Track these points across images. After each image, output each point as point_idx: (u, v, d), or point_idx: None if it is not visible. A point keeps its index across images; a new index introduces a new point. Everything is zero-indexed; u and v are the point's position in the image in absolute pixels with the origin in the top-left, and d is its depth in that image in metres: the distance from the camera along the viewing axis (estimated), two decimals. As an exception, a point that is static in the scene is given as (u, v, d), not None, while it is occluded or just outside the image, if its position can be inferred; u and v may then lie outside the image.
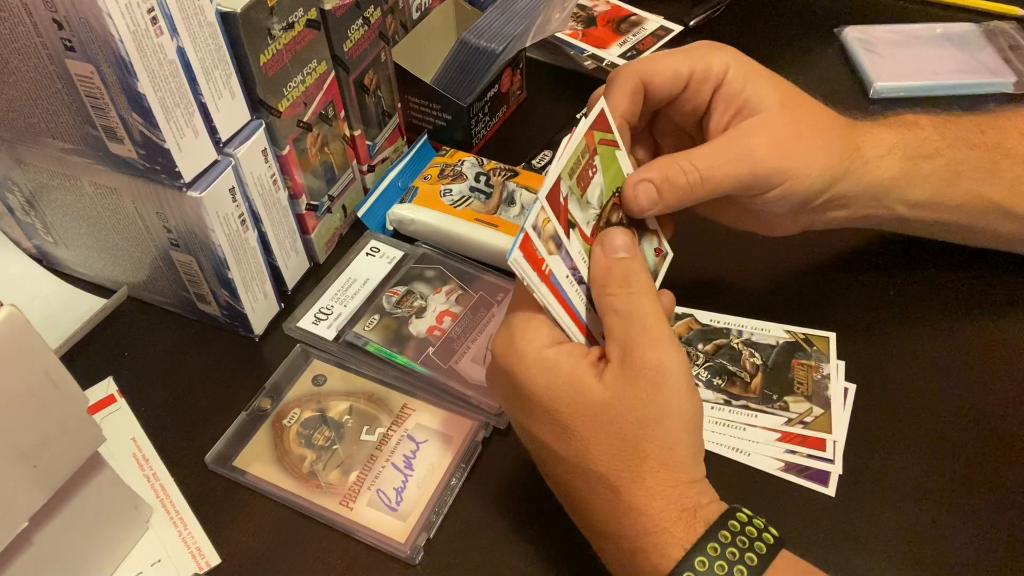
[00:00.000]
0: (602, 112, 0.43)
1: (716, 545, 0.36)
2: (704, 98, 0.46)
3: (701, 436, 0.40)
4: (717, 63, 0.45)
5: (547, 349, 0.39)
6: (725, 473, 0.48)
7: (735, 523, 0.37)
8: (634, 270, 0.40)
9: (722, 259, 0.59)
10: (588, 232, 0.42)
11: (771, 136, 0.44)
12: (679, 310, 0.56)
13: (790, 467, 0.48)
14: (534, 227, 0.39)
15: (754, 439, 0.49)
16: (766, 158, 0.44)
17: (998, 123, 0.51)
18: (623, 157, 0.45)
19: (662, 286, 0.46)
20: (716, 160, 0.44)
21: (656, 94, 0.46)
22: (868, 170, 0.47)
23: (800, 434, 0.49)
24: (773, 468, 0.48)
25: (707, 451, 0.48)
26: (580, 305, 0.41)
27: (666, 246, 0.49)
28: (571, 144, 0.40)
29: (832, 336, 0.53)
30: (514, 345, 0.40)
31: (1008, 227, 0.51)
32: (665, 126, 0.50)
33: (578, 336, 0.41)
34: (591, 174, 0.42)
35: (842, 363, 0.52)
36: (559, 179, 0.40)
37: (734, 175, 0.44)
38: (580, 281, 0.41)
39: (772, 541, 0.37)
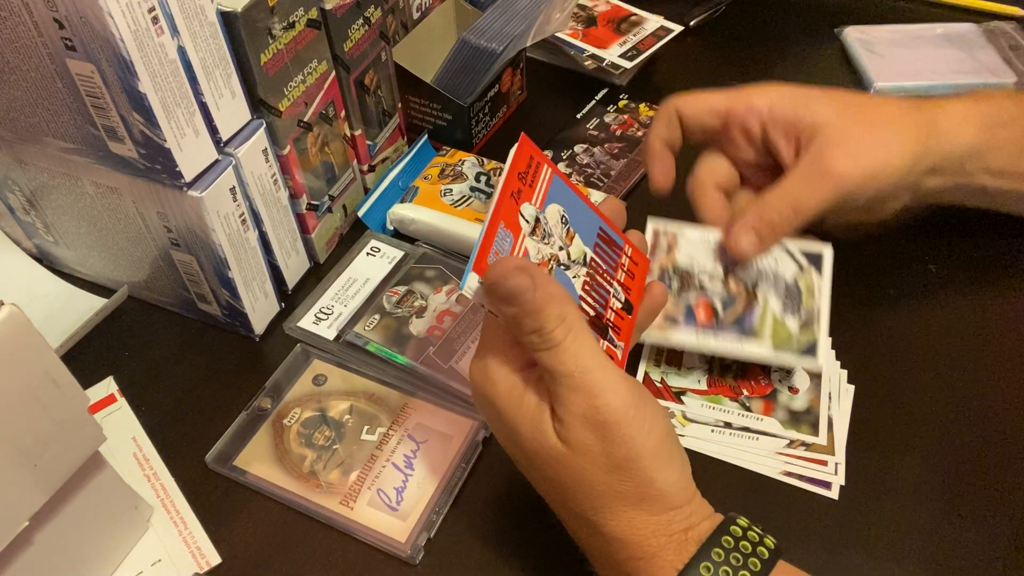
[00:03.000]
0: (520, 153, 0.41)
1: (709, 564, 0.35)
2: (754, 131, 0.48)
3: (679, 456, 0.38)
4: (759, 99, 0.48)
5: (518, 374, 0.38)
6: (726, 475, 0.47)
7: (729, 538, 0.36)
8: (537, 317, 0.35)
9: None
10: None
11: (842, 147, 0.46)
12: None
13: (792, 472, 0.48)
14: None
15: (755, 455, 0.48)
16: (846, 171, 0.45)
17: None
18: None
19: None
20: (800, 190, 0.46)
21: (691, 123, 0.49)
22: (948, 139, 0.47)
23: (802, 456, 0.48)
24: (775, 472, 0.48)
25: (708, 456, 0.48)
26: None
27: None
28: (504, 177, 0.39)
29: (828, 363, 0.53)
30: (487, 373, 0.39)
31: None
32: (745, 165, 0.51)
33: None
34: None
35: (844, 371, 0.52)
36: (505, 188, 0.39)
37: (821, 198, 0.46)
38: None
39: (767, 555, 0.36)
